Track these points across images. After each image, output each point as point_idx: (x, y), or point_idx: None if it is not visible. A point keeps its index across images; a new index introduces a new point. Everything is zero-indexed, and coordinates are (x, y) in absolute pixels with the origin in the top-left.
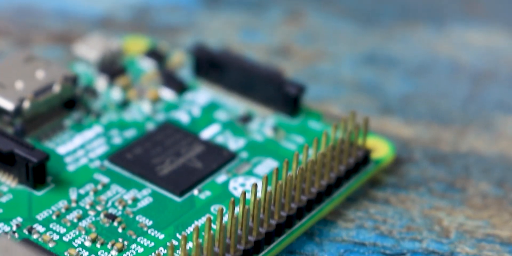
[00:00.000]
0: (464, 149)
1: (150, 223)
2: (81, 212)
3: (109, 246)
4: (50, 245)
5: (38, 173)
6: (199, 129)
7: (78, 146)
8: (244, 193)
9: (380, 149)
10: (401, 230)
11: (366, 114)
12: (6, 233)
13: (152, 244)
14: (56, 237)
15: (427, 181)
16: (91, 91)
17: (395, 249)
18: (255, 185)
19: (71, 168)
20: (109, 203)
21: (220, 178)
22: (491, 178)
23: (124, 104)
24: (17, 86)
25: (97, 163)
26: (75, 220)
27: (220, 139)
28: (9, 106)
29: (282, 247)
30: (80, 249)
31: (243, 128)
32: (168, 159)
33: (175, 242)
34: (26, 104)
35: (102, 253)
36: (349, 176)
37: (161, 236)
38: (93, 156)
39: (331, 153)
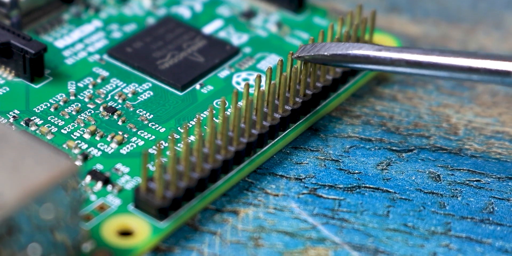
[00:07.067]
0: (474, 47)
1: (151, 116)
2: (80, 105)
3: (108, 138)
4: (48, 137)
5: (36, 65)
6: (201, 25)
7: (76, 40)
8: (247, 85)
9: (387, 45)
10: (408, 127)
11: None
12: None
13: (153, 137)
14: (54, 129)
15: (435, 79)
16: None
17: (402, 145)
18: (259, 76)
19: (69, 61)
20: (109, 97)
21: (223, 72)
22: None
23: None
24: None
25: (96, 57)
26: (74, 113)
27: (222, 35)
28: None
29: (287, 142)
30: (79, 141)
31: (247, 24)
32: (170, 54)
33: (176, 135)
34: None
35: (101, 145)
36: (355, 72)
37: (162, 130)
38: (92, 50)
39: None
